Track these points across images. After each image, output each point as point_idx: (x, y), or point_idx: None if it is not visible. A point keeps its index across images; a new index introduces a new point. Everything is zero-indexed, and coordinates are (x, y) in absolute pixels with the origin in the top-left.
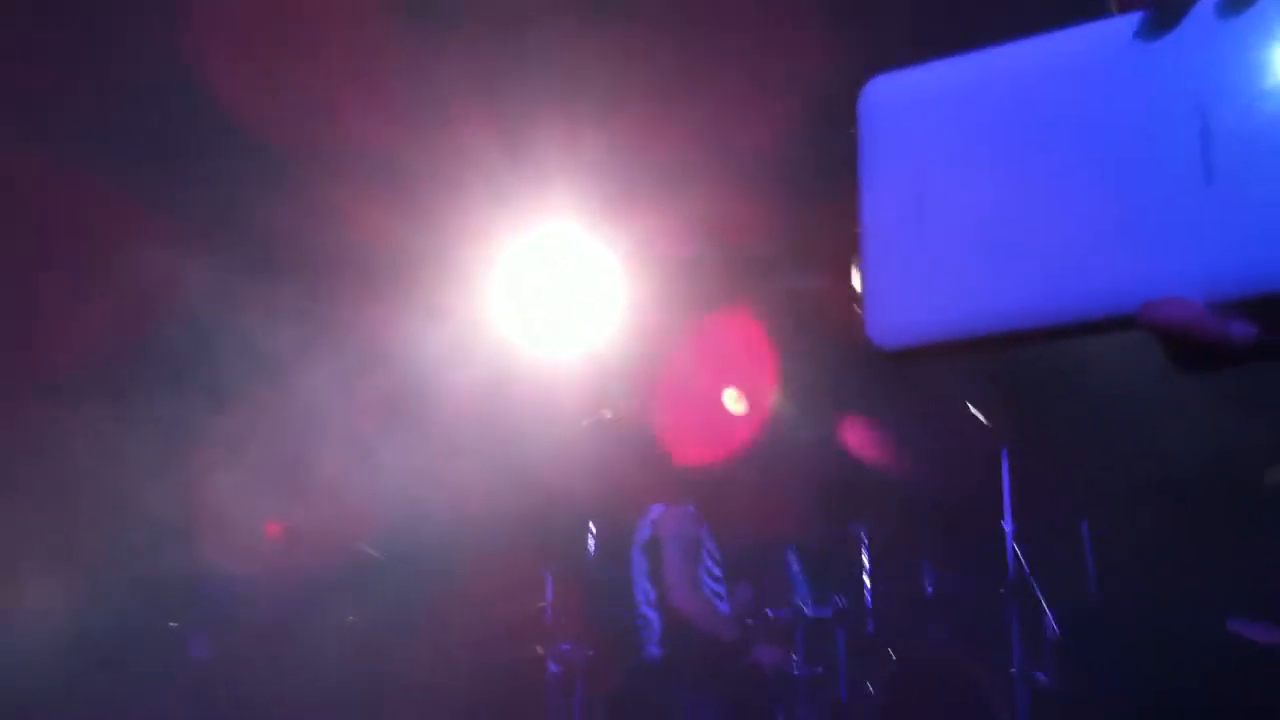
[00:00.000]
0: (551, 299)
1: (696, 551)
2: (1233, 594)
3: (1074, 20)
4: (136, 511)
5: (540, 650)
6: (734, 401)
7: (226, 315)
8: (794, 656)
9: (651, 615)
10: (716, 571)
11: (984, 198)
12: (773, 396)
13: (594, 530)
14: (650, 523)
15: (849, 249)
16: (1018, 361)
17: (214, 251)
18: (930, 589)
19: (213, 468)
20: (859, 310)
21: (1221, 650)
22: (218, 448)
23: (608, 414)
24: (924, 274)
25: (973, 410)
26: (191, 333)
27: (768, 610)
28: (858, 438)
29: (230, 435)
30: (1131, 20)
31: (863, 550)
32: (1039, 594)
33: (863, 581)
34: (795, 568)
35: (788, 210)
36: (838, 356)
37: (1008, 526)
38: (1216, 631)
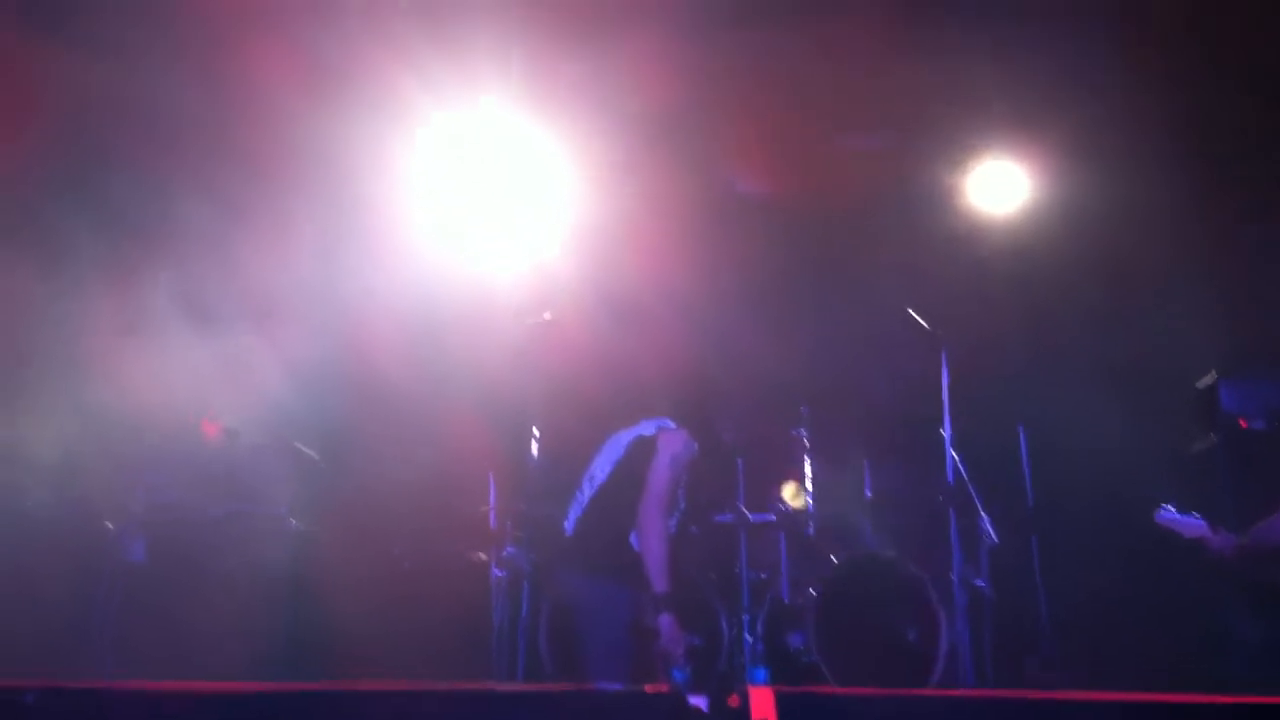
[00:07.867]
0: (484, 193)
1: (680, 482)
2: (1162, 494)
3: None
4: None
5: (484, 556)
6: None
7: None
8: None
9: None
10: (681, 504)
11: None
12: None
13: (537, 434)
14: (657, 426)
15: None
16: (955, 265)
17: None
18: (870, 494)
19: (148, 367)
20: None
21: (1153, 549)
22: (152, 347)
23: (548, 316)
24: None
25: (913, 315)
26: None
27: (714, 516)
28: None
29: (165, 335)
30: None
31: (804, 455)
32: (977, 500)
33: (804, 486)
34: (739, 474)
35: None
36: (779, 259)
37: (946, 432)
38: (1147, 529)
